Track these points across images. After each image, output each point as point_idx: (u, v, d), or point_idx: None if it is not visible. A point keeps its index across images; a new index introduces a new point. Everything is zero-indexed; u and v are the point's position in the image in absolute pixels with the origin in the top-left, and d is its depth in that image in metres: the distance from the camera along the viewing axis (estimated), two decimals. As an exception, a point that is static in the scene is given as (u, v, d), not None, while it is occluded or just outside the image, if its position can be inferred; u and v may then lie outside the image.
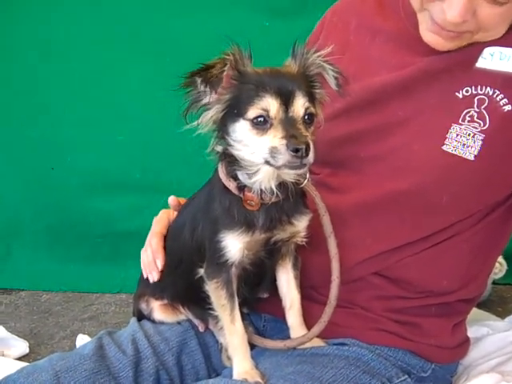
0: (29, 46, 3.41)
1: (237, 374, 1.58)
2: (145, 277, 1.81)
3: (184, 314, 1.85)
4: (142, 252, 1.83)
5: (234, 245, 1.52)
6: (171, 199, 1.87)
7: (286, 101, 1.39)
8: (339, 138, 1.76)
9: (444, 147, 1.64)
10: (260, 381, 1.55)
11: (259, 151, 1.40)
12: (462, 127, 1.64)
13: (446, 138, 1.64)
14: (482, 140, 1.62)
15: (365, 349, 1.71)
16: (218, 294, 1.57)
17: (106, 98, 3.40)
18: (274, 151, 1.37)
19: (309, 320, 1.69)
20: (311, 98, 1.45)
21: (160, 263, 1.76)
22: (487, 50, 1.65)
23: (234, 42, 1.43)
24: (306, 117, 1.41)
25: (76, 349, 1.86)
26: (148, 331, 1.84)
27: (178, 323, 1.87)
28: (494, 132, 1.62)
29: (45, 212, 3.55)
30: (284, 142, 1.36)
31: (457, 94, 1.66)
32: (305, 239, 1.61)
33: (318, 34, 2.01)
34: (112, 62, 3.36)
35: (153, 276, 1.77)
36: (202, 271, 1.60)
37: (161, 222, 1.85)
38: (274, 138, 1.37)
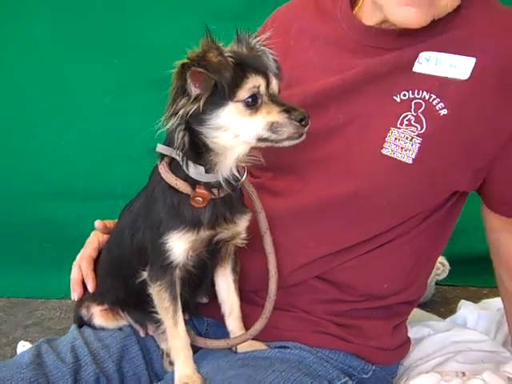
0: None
1: (178, 378, 1.58)
2: (72, 296, 1.89)
3: (125, 319, 1.84)
4: (73, 268, 1.90)
5: (179, 246, 1.52)
6: (97, 223, 1.90)
7: (266, 78, 1.45)
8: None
9: (383, 151, 1.66)
10: (201, 385, 1.55)
11: (251, 130, 1.43)
12: (400, 131, 1.66)
13: (384, 141, 1.66)
14: (419, 143, 1.64)
15: (306, 351, 1.72)
16: (161, 297, 1.57)
17: (47, 102, 3.35)
18: (275, 126, 1.42)
19: (249, 324, 1.69)
20: None
21: (91, 286, 1.84)
22: (423, 55, 1.68)
23: (209, 29, 1.42)
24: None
25: (14, 357, 1.81)
26: (88, 338, 1.82)
27: (119, 329, 1.86)
28: (430, 135, 1.64)
29: (-13, 218, 3.48)
30: (285, 115, 1.42)
31: (394, 97, 1.68)
32: (245, 241, 1.62)
33: None
34: (55, 66, 3.31)
35: (73, 295, 1.87)
36: (145, 274, 1.59)
37: (91, 244, 1.91)
38: (271, 114, 1.42)
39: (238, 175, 1.51)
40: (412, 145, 1.65)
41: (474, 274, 3.25)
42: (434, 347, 2.10)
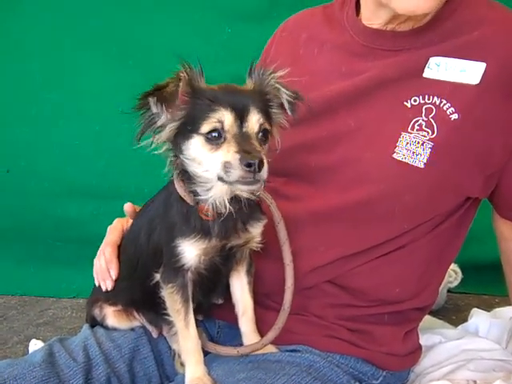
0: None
1: (189, 380, 1.58)
2: (97, 285, 1.83)
3: (138, 320, 1.85)
4: (95, 260, 1.85)
5: (190, 251, 1.52)
6: (127, 206, 1.88)
7: (241, 115, 1.39)
8: (292, 147, 1.78)
9: (394, 155, 1.66)
10: (212, 387, 1.56)
11: (212, 167, 1.39)
12: (412, 136, 1.66)
13: (396, 146, 1.67)
14: (430, 148, 1.65)
15: (317, 356, 1.72)
16: (173, 299, 1.57)
17: (62, 102, 3.36)
18: (227, 166, 1.36)
19: (262, 327, 1.70)
20: (267, 116, 1.45)
21: (114, 273, 1.79)
22: (433, 61, 1.69)
23: (184, 59, 1.42)
24: (261, 133, 1.42)
25: (26, 356, 1.82)
26: (100, 338, 1.82)
27: (132, 329, 1.86)
28: (442, 140, 1.65)
29: (0, 215, 3.50)
30: (237, 156, 1.35)
31: (405, 103, 1.69)
32: (259, 245, 1.62)
33: (268, 50, 2.06)
34: (70, 65, 3.33)
35: (106, 284, 1.79)
36: (158, 276, 1.60)
37: (115, 231, 1.87)
38: (228, 153, 1.36)
39: (227, 204, 1.48)
40: (423, 149, 1.65)
41: (486, 282, 3.23)
42: (445, 355, 2.08)
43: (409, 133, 1.67)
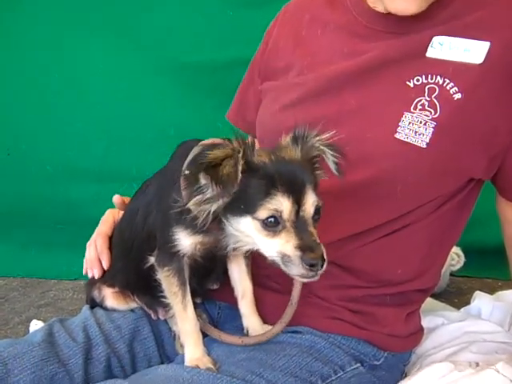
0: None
1: (188, 360, 1.58)
2: (84, 272, 1.87)
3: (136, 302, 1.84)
4: (87, 249, 1.88)
5: (186, 240, 1.50)
6: (115, 198, 1.89)
7: (298, 199, 1.33)
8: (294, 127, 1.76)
9: (396, 135, 1.65)
10: (212, 367, 1.55)
11: (267, 251, 1.37)
12: (414, 115, 1.64)
13: (398, 126, 1.65)
14: (433, 128, 1.63)
15: (318, 337, 1.71)
16: (169, 282, 1.56)
17: (63, 83, 3.36)
18: (286, 259, 1.33)
19: (263, 308, 1.70)
20: (316, 186, 1.40)
21: (105, 264, 1.82)
22: (436, 40, 1.67)
23: (238, 132, 1.34)
24: (315, 212, 1.37)
25: (26, 336, 1.82)
26: (100, 319, 1.82)
27: (131, 311, 1.86)
28: (445, 120, 1.63)
29: (2, 197, 3.50)
30: (298, 253, 1.31)
31: (408, 83, 1.67)
32: None
33: (271, 31, 2.03)
34: (71, 47, 3.33)
35: (94, 273, 1.83)
36: (152, 259, 1.58)
37: (106, 222, 1.90)
38: (287, 244, 1.33)
39: None
40: (426, 129, 1.63)
41: (489, 266, 3.22)
42: (447, 337, 2.08)
43: (411, 112, 1.65)
